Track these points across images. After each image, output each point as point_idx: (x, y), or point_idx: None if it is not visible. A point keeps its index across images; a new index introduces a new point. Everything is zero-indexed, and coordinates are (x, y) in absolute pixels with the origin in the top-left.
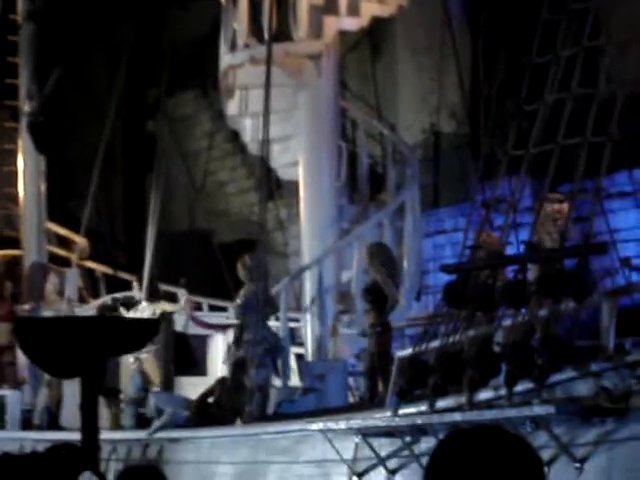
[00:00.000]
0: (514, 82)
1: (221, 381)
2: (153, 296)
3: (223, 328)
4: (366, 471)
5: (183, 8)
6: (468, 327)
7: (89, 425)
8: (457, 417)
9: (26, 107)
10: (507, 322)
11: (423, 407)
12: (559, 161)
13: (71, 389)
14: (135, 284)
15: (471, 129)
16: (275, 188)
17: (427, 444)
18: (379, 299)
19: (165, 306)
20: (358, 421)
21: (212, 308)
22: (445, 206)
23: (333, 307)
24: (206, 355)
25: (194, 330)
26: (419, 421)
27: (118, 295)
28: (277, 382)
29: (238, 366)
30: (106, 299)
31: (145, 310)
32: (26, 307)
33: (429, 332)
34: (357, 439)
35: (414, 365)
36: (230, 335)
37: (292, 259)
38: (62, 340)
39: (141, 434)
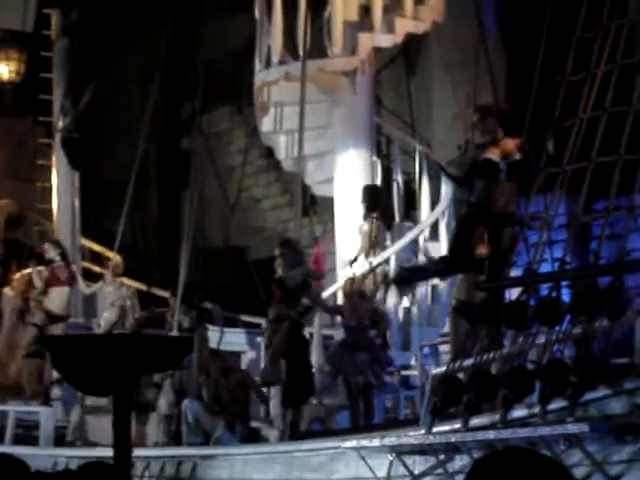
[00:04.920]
0: (549, 99)
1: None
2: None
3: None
4: None
5: (217, 23)
6: (501, 345)
7: (121, 442)
8: (491, 435)
9: (60, 123)
10: (541, 340)
11: (457, 425)
12: (594, 178)
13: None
14: (170, 300)
15: None
16: (309, 204)
17: (461, 462)
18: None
19: None
20: (392, 439)
21: (246, 324)
22: None
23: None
24: None
25: (228, 346)
26: (453, 439)
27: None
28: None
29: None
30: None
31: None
32: None
33: (463, 349)
34: (391, 457)
35: (448, 383)
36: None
37: (327, 275)
38: (94, 358)
39: (174, 451)
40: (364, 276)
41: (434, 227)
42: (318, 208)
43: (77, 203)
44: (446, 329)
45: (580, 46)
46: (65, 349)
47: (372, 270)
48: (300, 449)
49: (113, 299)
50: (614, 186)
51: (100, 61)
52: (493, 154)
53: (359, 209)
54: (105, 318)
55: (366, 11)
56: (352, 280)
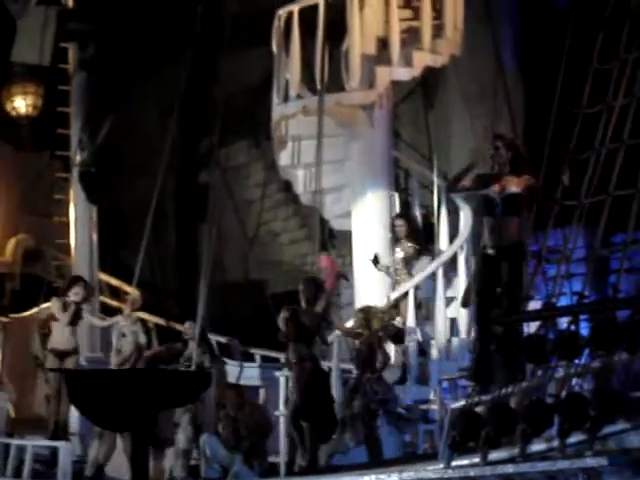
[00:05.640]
0: (567, 132)
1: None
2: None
3: None
4: None
5: (235, 58)
6: (520, 378)
7: (139, 477)
8: (510, 469)
9: (77, 157)
10: (559, 373)
11: (476, 459)
12: (612, 211)
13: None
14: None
15: None
16: (328, 238)
17: None
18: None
19: None
20: (411, 473)
21: (265, 359)
22: None
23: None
24: None
25: (246, 381)
26: (472, 473)
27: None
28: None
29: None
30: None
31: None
32: None
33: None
34: None
35: (467, 417)
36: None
37: (345, 310)
38: (112, 393)
39: None
40: (384, 312)
41: (453, 260)
42: (336, 242)
43: (95, 237)
44: (465, 363)
45: (597, 78)
46: (82, 384)
47: (394, 305)
48: None
49: (125, 331)
50: (632, 219)
51: (117, 95)
52: (493, 189)
53: (377, 242)
54: (118, 351)
55: (384, 44)
56: (368, 320)
